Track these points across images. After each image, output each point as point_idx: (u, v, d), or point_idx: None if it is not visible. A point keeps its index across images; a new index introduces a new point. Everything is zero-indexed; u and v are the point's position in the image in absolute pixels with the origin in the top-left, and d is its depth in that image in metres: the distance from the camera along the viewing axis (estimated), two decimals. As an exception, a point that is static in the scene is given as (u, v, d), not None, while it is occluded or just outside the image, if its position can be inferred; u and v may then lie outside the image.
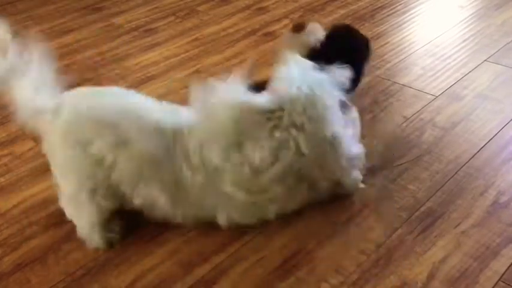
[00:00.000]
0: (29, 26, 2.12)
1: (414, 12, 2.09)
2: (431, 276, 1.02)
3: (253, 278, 1.03)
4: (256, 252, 1.09)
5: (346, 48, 1.18)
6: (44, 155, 1.14)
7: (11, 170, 1.34)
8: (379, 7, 2.14)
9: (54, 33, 2.06)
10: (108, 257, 1.09)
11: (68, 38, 2.02)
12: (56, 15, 2.21)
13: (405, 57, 1.77)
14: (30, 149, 1.41)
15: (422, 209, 1.17)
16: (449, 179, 1.24)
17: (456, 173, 1.26)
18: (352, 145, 1.12)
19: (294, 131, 1.01)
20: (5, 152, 1.41)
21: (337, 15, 2.09)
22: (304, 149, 1.01)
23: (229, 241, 1.11)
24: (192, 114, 1.05)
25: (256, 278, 1.03)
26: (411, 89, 1.59)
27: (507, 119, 1.44)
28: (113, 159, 1.00)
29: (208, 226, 1.14)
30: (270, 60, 1.77)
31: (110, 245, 1.11)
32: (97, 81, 1.71)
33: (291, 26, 1.26)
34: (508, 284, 0.99)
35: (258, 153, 1.00)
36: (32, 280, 1.05)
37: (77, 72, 1.78)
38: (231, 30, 2.02)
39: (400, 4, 2.16)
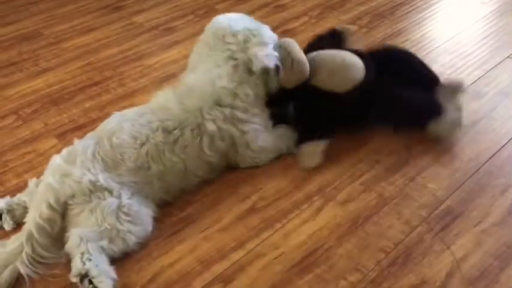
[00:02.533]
0: (51, 26, 2.16)
1: (435, 9, 2.07)
2: (450, 275, 1.01)
3: (271, 275, 1.04)
4: (274, 249, 1.09)
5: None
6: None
7: (35, 167, 1.36)
8: (399, 4, 2.13)
9: (75, 32, 2.09)
10: (129, 253, 1.10)
11: (90, 37, 2.05)
12: (77, 15, 2.25)
13: (425, 54, 1.75)
14: (53, 147, 1.44)
15: (441, 207, 1.16)
16: (469, 177, 1.23)
17: (476, 171, 1.25)
18: None
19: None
20: (29, 149, 1.44)
21: (356, 12, 2.08)
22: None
23: (247, 238, 1.12)
24: None
25: (274, 275, 1.04)
26: (431, 87, 1.57)
27: (529, 116, 1.42)
28: None
29: (227, 223, 1.16)
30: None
31: None
32: (118, 80, 1.73)
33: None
34: (529, 284, 0.98)
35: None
36: (54, 274, 1.07)
37: (98, 70, 1.81)
38: (250, 28, 2.02)
39: (421, 0, 2.14)
